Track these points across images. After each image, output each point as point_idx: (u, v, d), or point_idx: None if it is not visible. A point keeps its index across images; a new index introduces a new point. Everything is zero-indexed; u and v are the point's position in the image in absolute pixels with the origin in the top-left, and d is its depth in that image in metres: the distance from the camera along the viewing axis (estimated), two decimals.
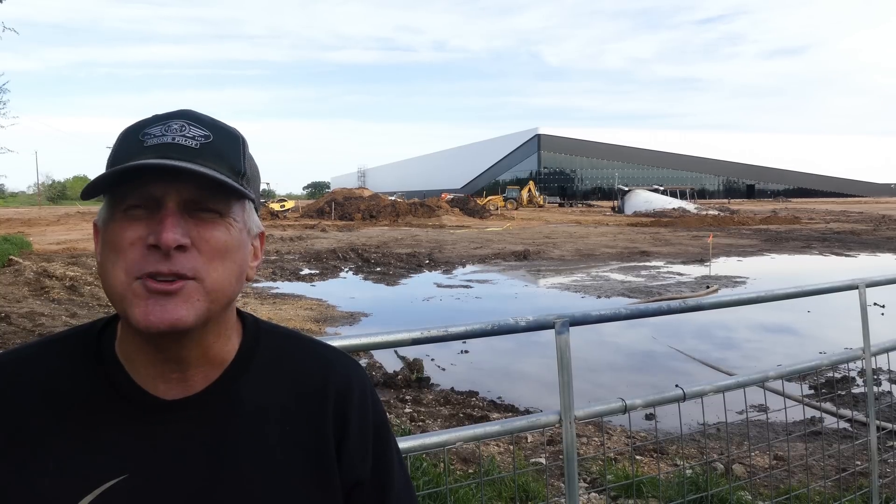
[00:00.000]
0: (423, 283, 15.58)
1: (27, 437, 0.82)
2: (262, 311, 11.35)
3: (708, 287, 14.22)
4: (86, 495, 0.79)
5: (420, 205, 46.05)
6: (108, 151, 0.85)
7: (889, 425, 5.11)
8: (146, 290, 0.78)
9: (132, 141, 0.82)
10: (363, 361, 7.73)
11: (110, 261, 0.80)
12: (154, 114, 0.86)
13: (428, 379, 7.49)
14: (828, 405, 5.74)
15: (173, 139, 0.81)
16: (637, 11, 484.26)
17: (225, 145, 0.84)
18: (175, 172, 0.78)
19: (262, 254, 0.95)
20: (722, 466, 4.52)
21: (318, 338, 1.17)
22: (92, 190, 0.80)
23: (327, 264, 18.76)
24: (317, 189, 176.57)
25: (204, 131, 0.83)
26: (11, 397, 0.83)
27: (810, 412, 5.68)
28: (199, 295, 0.80)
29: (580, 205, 76.94)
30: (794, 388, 6.64)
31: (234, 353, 0.91)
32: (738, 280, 15.33)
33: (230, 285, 0.84)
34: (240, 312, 0.95)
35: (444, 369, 7.99)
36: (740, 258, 20.32)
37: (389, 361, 8.06)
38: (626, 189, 58.20)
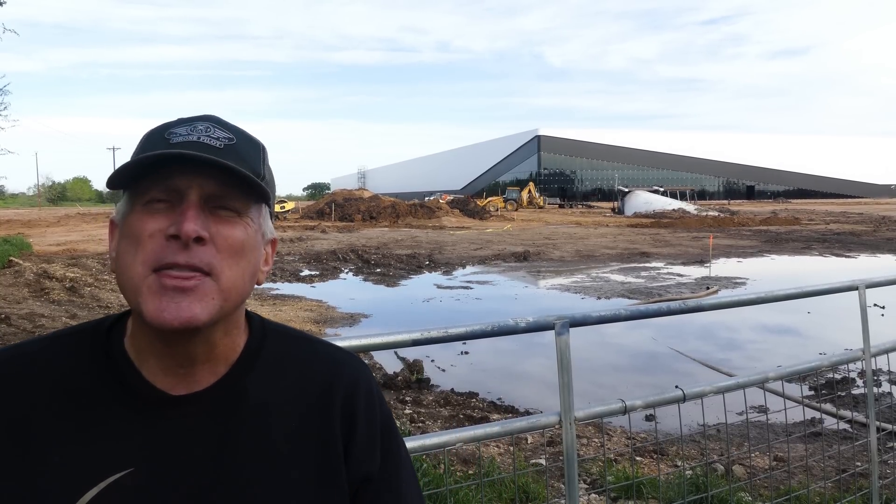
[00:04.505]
0: (423, 285, 15.57)
1: (33, 429, 0.82)
2: (262, 312, 11.27)
3: (708, 288, 14.22)
4: (91, 488, 0.80)
5: (420, 206, 46.05)
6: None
7: (889, 426, 5.11)
8: (161, 285, 0.79)
9: (157, 139, 0.85)
10: None
11: (128, 252, 0.82)
12: (178, 117, 0.90)
13: (428, 380, 7.49)
14: (828, 406, 5.74)
15: (198, 138, 0.84)
16: (640, 12, 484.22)
17: (247, 150, 0.88)
18: (199, 163, 0.81)
19: (273, 259, 0.97)
20: (722, 467, 4.52)
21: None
22: (117, 179, 0.82)
23: (327, 265, 18.75)
24: (317, 190, 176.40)
25: (228, 134, 0.87)
26: (18, 390, 0.84)
27: (810, 413, 5.68)
28: (214, 293, 0.82)
29: (580, 206, 76.91)
30: (794, 389, 6.64)
31: (240, 351, 0.92)
32: (738, 281, 15.32)
33: (243, 284, 0.86)
34: (247, 312, 0.96)
35: (444, 370, 7.98)
36: (740, 259, 20.32)
37: (389, 362, 8.06)
38: (626, 190, 58.19)
